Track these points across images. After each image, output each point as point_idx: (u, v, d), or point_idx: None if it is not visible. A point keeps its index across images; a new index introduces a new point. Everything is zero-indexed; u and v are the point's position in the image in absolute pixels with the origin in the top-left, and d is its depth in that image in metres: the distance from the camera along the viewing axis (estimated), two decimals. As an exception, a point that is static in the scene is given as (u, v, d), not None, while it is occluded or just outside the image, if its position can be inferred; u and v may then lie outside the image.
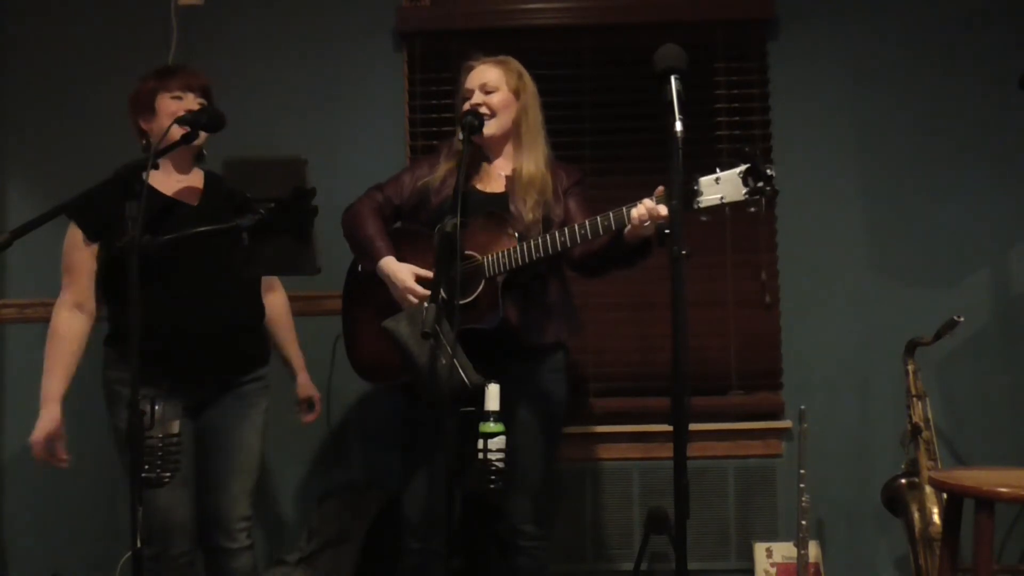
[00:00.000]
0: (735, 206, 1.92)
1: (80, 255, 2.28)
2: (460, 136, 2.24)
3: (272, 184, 1.80)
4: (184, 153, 2.30)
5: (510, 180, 2.33)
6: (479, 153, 2.37)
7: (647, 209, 2.03)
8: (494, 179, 2.37)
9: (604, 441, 3.02)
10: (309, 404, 2.62)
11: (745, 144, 3.01)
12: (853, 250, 3.07)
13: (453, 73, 2.48)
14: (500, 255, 2.18)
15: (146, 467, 1.77)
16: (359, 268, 2.43)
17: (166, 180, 2.32)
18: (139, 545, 1.66)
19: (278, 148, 2.82)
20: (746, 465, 3.01)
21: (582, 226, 2.13)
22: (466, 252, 2.18)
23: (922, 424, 2.70)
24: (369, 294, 2.36)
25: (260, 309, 2.42)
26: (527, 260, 2.16)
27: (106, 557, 2.98)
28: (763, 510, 2.99)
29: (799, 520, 2.59)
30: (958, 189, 3.05)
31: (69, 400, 2.46)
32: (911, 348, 2.77)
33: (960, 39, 3.07)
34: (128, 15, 3.16)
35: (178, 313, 2.21)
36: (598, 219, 2.12)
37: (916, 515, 2.67)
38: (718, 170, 1.92)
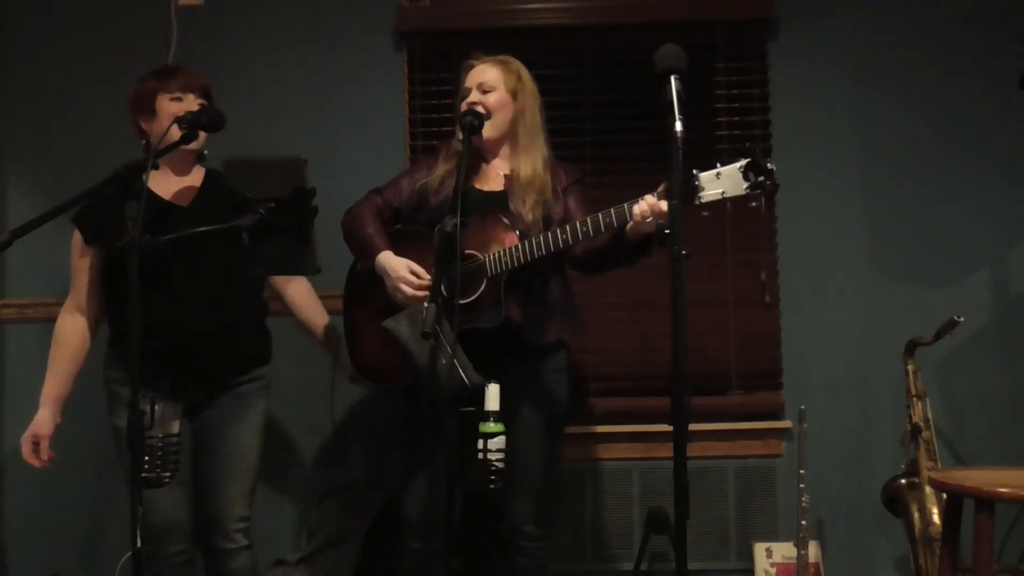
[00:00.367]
0: (736, 201, 1.92)
1: (80, 259, 2.33)
2: (460, 136, 2.24)
3: (272, 184, 1.80)
4: (182, 154, 2.31)
5: (508, 179, 2.34)
6: (477, 153, 2.37)
7: (649, 205, 2.03)
8: (492, 179, 2.37)
9: (604, 441, 3.02)
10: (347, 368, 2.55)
11: (745, 143, 3.02)
12: (853, 250, 3.07)
13: (453, 73, 2.48)
14: (502, 254, 2.19)
15: (146, 467, 1.77)
16: (358, 268, 2.43)
17: (163, 182, 2.33)
18: (139, 545, 1.66)
19: (278, 148, 2.82)
20: (746, 465, 3.01)
21: (584, 223, 2.13)
22: (467, 251, 2.18)
23: (922, 424, 2.70)
24: (369, 295, 2.37)
25: (260, 309, 2.42)
26: (529, 258, 2.16)
27: (106, 557, 2.98)
28: (763, 510, 2.99)
29: (799, 520, 2.59)
30: (958, 189, 3.05)
31: (69, 400, 2.47)
32: (911, 348, 2.77)
33: (960, 39, 3.07)
34: (128, 15, 3.16)
35: (174, 313, 2.22)
36: (599, 216, 2.12)
37: (916, 515, 2.67)
38: (718, 165, 1.92)
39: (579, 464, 3.01)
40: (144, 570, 1.69)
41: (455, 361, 1.97)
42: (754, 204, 1.93)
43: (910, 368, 2.77)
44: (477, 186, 2.36)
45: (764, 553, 2.88)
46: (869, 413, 3.03)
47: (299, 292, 2.57)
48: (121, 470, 2.31)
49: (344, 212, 2.43)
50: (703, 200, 1.90)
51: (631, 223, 2.08)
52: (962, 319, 2.66)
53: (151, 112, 2.30)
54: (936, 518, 2.62)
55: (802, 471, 2.60)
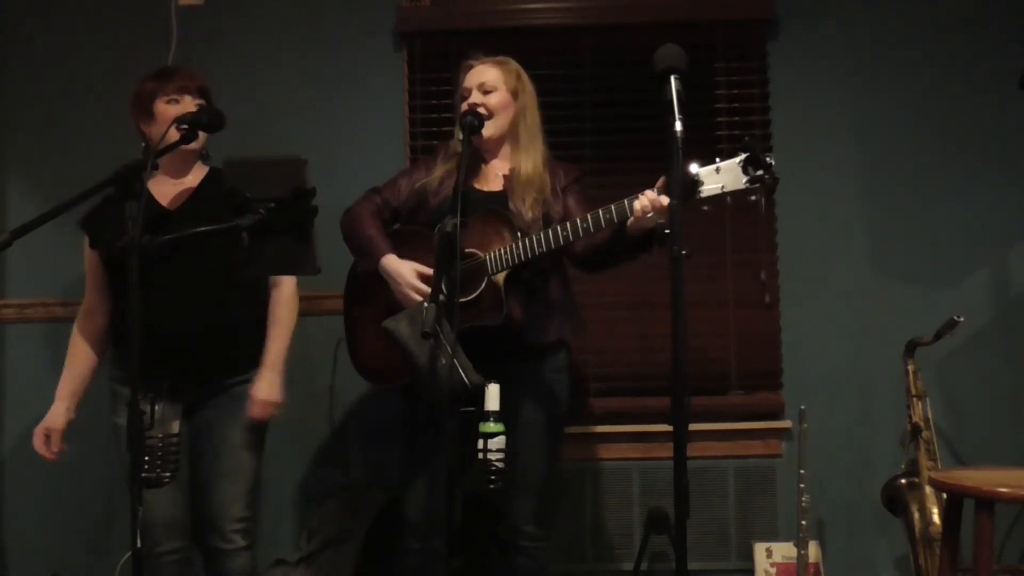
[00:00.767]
0: (736, 195, 1.95)
1: (88, 262, 2.40)
2: (460, 136, 2.25)
3: (272, 184, 1.80)
4: (181, 156, 2.32)
5: (508, 179, 2.34)
6: (476, 153, 2.37)
7: (649, 200, 2.04)
8: (492, 178, 2.37)
9: (604, 441, 3.02)
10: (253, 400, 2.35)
11: (744, 140, 3.01)
12: (853, 250, 3.07)
13: (453, 73, 2.48)
14: (502, 252, 2.19)
15: (146, 467, 1.77)
16: (358, 269, 2.43)
17: (159, 185, 2.34)
18: (139, 545, 1.66)
19: (278, 148, 2.82)
20: (746, 465, 3.01)
21: (584, 220, 2.14)
22: (467, 250, 2.18)
23: (922, 424, 2.70)
24: (370, 295, 2.36)
25: (260, 310, 2.41)
26: (530, 256, 2.17)
27: (106, 557, 2.98)
28: (763, 510, 2.99)
29: (799, 520, 2.59)
30: (958, 189, 3.05)
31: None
32: (911, 348, 2.77)
33: (960, 39, 3.07)
34: (128, 15, 3.16)
35: (168, 313, 2.22)
36: (599, 212, 2.13)
37: (916, 515, 2.67)
38: (718, 160, 1.95)
39: (579, 464, 3.01)
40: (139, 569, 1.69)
41: (455, 361, 1.97)
42: (753, 198, 1.96)
43: (910, 368, 2.77)
44: (477, 186, 2.36)
45: (764, 553, 2.88)
46: (869, 413, 3.03)
47: (275, 299, 2.41)
48: (120, 468, 2.30)
49: (343, 212, 2.43)
50: (703, 195, 1.93)
51: (632, 219, 2.08)
52: (962, 319, 2.66)
53: (150, 115, 2.32)
54: (936, 518, 2.62)
55: (802, 471, 2.60)
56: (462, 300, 2.15)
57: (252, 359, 2.35)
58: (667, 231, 1.71)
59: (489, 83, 2.33)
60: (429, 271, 2.22)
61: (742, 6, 3.09)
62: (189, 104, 2.29)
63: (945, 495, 2.27)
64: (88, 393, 2.52)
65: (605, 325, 3.05)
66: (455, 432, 1.96)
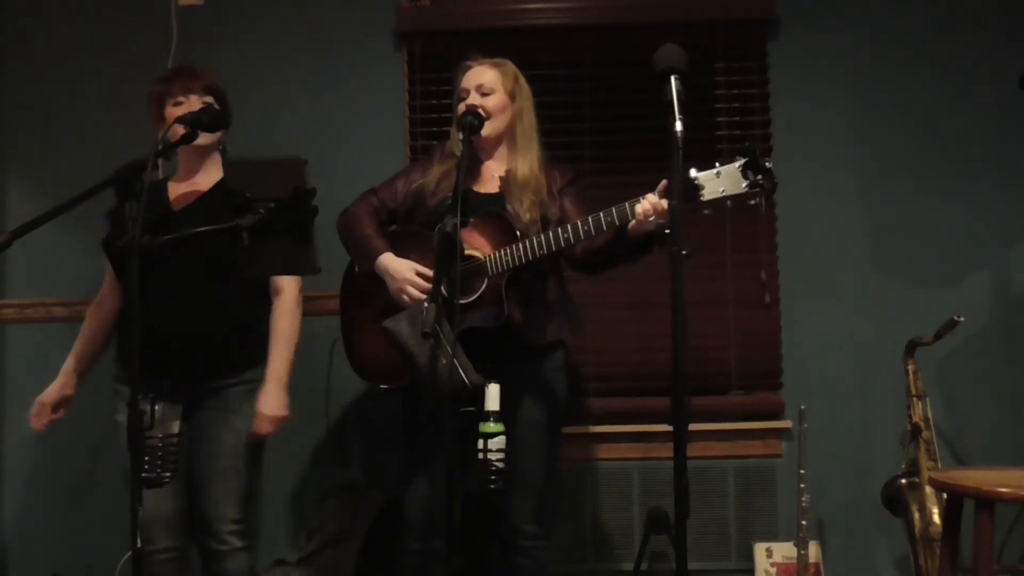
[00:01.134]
0: (736, 199, 1.97)
1: (106, 254, 2.42)
2: (460, 136, 2.25)
3: (272, 184, 1.80)
4: (194, 155, 2.35)
5: (504, 181, 2.34)
6: (473, 155, 2.37)
7: (651, 204, 2.05)
8: (488, 180, 2.38)
9: (604, 441, 3.02)
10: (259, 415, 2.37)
11: (745, 143, 3.02)
12: (853, 250, 3.07)
13: (453, 73, 2.48)
14: (502, 253, 2.19)
15: (146, 467, 1.77)
16: (355, 269, 2.43)
17: (176, 186, 2.37)
18: (139, 545, 1.65)
19: (278, 148, 2.82)
20: (746, 465, 3.01)
21: (585, 222, 2.14)
22: (466, 252, 2.18)
23: (922, 424, 2.70)
24: (367, 295, 2.36)
25: (253, 312, 2.38)
26: (531, 257, 2.17)
27: (106, 557, 2.98)
28: (763, 510, 2.99)
29: (799, 520, 2.59)
30: (958, 189, 3.05)
31: (72, 401, 2.48)
32: (911, 348, 2.77)
33: (960, 39, 3.07)
34: (128, 15, 3.16)
35: (166, 313, 2.22)
36: (600, 215, 2.13)
37: (916, 515, 2.67)
38: (717, 164, 1.97)
39: (579, 464, 3.01)
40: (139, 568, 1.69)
41: (455, 361, 1.97)
42: (753, 202, 1.98)
43: (910, 368, 2.77)
44: (474, 188, 2.36)
45: (764, 553, 2.88)
46: (869, 413, 3.03)
47: (278, 309, 2.41)
48: (122, 465, 2.30)
49: (339, 213, 2.43)
50: (705, 198, 1.96)
51: (634, 222, 2.08)
52: (962, 319, 2.66)
53: (161, 119, 2.34)
54: (936, 518, 2.62)
55: (802, 471, 2.60)
56: (463, 301, 2.16)
57: (249, 361, 2.35)
58: (667, 231, 1.71)
59: (487, 85, 2.33)
60: (427, 270, 2.22)
61: (742, 6, 3.09)
62: (195, 104, 2.30)
63: (945, 495, 2.27)
64: (88, 393, 2.52)
65: (605, 325, 3.05)
66: (455, 432, 1.96)
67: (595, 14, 3.12)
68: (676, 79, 1.73)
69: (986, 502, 2.05)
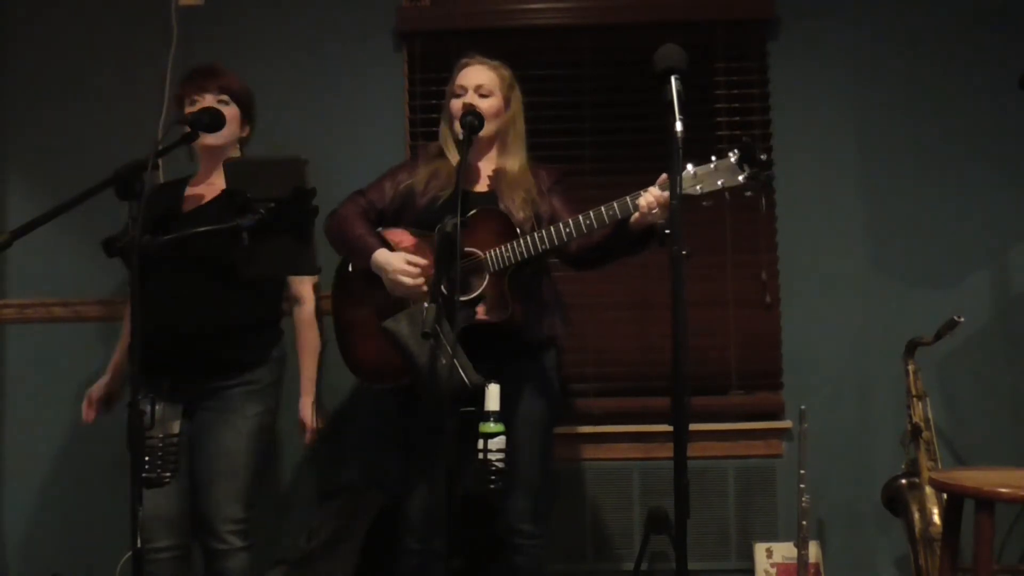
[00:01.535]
0: (733, 192, 2.01)
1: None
2: (455, 130, 2.27)
3: (272, 184, 1.80)
4: (207, 156, 2.36)
5: (493, 180, 2.36)
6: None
7: (654, 196, 2.06)
8: (478, 181, 2.39)
9: (604, 441, 3.02)
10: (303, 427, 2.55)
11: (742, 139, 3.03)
12: (853, 250, 3.07)
13: (452, 73, 2.48)
14: (503, 250, 2.19)
15: (146, 467, 1.77)
16: (349, 267, 2.42)
17: (193, 187, 2.38)
18: (139, 545, 1.65)
19: (278, 148, 2.82)
20: (746, 465, 3.01)
21: (586, 216, 2.15)
22: (465, 249, 2.18)
23: (922, 424, 2.70)
24: (360, 295, 2.35)
25: (256, 313, 2.39)
26: (532, 253, 2.18)
27: (106, 557, 2.98)
28: (763, 510, 2.99)
29: (799, 520, 2.58)
30: (958, 189, 3.05)
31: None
32: (911, 348, 2.77)
33: (960, 39, 3.06)
34: (128, 15, 3.16)
35: (170, 313, 2.23)
36: (602, 209, 2.14)
37: (916, 515, 2.67)
38: (713, 158, 2.01)
39: (579, 464, 3.01)
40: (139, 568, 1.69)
41: (455, 361, 1.97)
42: (749, 193, 2.03)
43: (910, 368, 2.77)
44: (465, 187, 2.36)
45: (764, 553, 2.88)
46: (869, 413, 3.03)
47: (296, 321, 2.55)
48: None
49: (327, 215, 2.41)
50: (701, 191, 1.99)
51: (637, 215, 2.10)
52: (962, 319, 2.66)
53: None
54: (936, 518, 2.62)
55: (802, 471, 2.59)
56: (464, 299, 2.16)
57: (253, 362, 2.35)
58: (667, 231, 1.71)
59: (486, 87, 2.34)
60: (421, 260, 2.23)
61: (742, 6, 3.09)
62: (210, 103, 2.30)
63: (945, 495, 2.27)
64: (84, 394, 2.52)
65: (605, 325, 3.05)
66: (454, 432, 1.96)
67: (595, 14, 3.12)
68: (676, 79, 1.73)
69: (986, 502, 2.05)
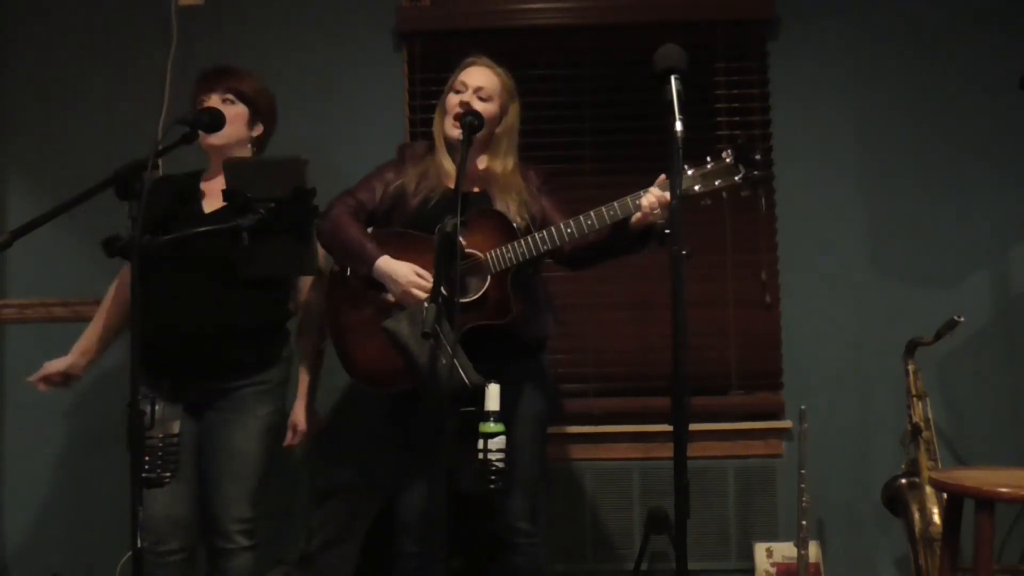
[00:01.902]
0: (731, 191, 2.07)
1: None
2: (453, 130, 2.27)
3: (272, 184, 1.80)
4: (215, 156, 2.36)
5: (484, 181, 2.35)
6: (452, 156, 2.36)
7: (656, 197, 2.08)
8: (470, 180, 2.37)
9: (604, 441, 3.02)
10: (295, 429, 2.54)
11: (738, 140, 3.04)
12: (853, 250, 3.07)
13: (453, 73, 2.48)
14: (504, 251, 2.19)
15: (146, 467, 1.77)
16: (347, 273, 2.38)
17: (209, 184, 2.37)
18: (139, 545, 1.65)
19: (278, 148, 2.82)
20: (746, 465, 3.01)
21: (587, 216, 2.16)
22: (465, 250, 2.18)
23: (922, 424, 2.70)
24: (356, 299, 2.33)
25: (265, 313, 2.39)
26: (534, 254, 2.18)
27: (106, 557, 2.98)
28: (763, 510, 2.99)
29: (799, 520, 2.59)
30: (958, 189, 3.05)
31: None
32: (911, 348, 2.77)
33: (960, 39, 3.07)
34: (128, 15, 3.16)
35: (170, 313, 2.23)
36: (603, 209, 2.15)
37: (916, 515, 2.67)
38: (708, 159, 2.06)
39: (579, 464, 3.01)
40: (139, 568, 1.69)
41: (455, 361, 1.97)
42: (746, 193, 2.08)
43: (910, 368, 2.77)
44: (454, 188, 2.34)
45: (764, 553, 2.88)
46: (869, 413, 3.03)
47: (302, 323, 2.53)
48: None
49: (319, 217, 2.39)
50: (699, 190, 2.05)
51: (639, 215, 2.11)
52: (962, 319, 2.66)
53: None
54: (936, 518, 2.62)
55: (802, 471, 2.60)
56: (467, 300, 2.16)
57: (253, 363, 2.35)
58: (667, 231, 1.72)
59: (486, 90, 2.33)
60: (426, 272, 2.22)
61: (742, 6, 3.09)
62: (215, 103, 2.31)
63: (945, 495, 2.27)
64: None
65: (605, 325, 3.06)
66: (454, 432, 1.96)
67: (595, 14, 3.12)
68: (676, 79, 1.74)
69: (986, 502, 2.05)
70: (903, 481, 2.72)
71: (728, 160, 2.05)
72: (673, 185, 1.73)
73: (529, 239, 2.18)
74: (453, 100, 2.33)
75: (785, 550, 2.84)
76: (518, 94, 2.42)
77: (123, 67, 3.14)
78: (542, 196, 2.38)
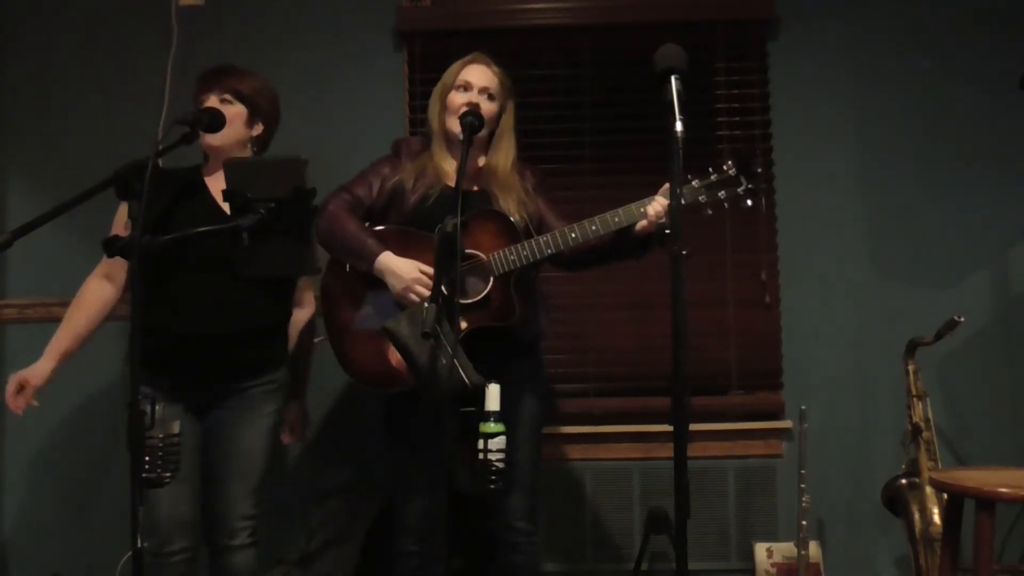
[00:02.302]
0: (732, 202, 2.15)
1: (118, 230, 2.37)
2: (456, 130, 2.26)
3: (272, 184, 1.80)
4: (216, 156, 2.34)
5: (483, 180, 2.35)
6: (451, 154, 2.36)
7: (663, 206, 2.12)
8: (468, 179, 2.36)
9: (604, 441, 3.02)
10: (291, 427, 2.58)
11: (744, 143, 3.04)
12: (853, 250, 3.07)
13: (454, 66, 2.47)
14: (507, 253, 2.19)
15: (146, 467, 1.77)
16: (347, 268, 2.36)
17: (210, 181, 2.37)
18: (139, 545, 1.65)
19: (278, 148, 2.82)
20: (746, 465, 3.01)
21: (592, 221, 2.18)
22: (466, 251, 2.17)
23: (922, 424, 2.70)
24: (353, 296, 2.32)
25: (273, 314, 2.38)
26: (539, 256, 2.19)
27: (106, 557, 2.98)
28: (763, 510, 2.99)
29: (799, 520, 2.59)
30: (958, 189, 3.05)
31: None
32: (911, 348, 2.77)
33: (960, 39, 3.07)
34: (128, 15, 3.16)
35: (178, 314, 2.22)
36: (608, 216, 2.17)
37: (916, 515, 2.67)
38: (711, 170, 2.14)
39: (579, 464, 3.01)
40: (146, 568, 1.69)
41: (455, 361, 1.96)
42: (750, 203, 2.15)
43: (910, 368, 2.77)
44: (454, 187, 2.34)
45: (765, 553, 2.88)
46: (869, 413, 3.03)
47: (296, 324, 2.53)
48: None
49: (316, 215, 2.38)
50: (703, 200, 2.14)
51: (645, 222, 2.14)
52: (962, 319, 2.66)
53: None
54: (936, 518, 2.62)
55: (802, 471, 2.60)
56: (471, 301, 2.16)
57: (262, 363, 2.34)
58: (667, 231, 1.73)
59: (491, 90, 2.33)
60: (430, 269, 2.21)
61: (742, 6, 3.09)
62: (214, 103, 2.30)
63: (945, 495, 2.28)
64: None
65: (605, 325, 3.06)
66: (454, 432, 1.96)
67: (595, 14, 3.12)
68: (676, 79, 1.74)
69: (986, 502, 2.05)
70: (903, 481, 2.72)
71: (731, 172, 2.13)
72: (673, 185, 1.73)
73: (533, 243, 2.18)
74: (457, 100, 2.31)
75: (785, 550, 2.84)
76: (515, 92, 2.42)
77: (123, 67, 3.14)
78: (538, 196, 2.38)
